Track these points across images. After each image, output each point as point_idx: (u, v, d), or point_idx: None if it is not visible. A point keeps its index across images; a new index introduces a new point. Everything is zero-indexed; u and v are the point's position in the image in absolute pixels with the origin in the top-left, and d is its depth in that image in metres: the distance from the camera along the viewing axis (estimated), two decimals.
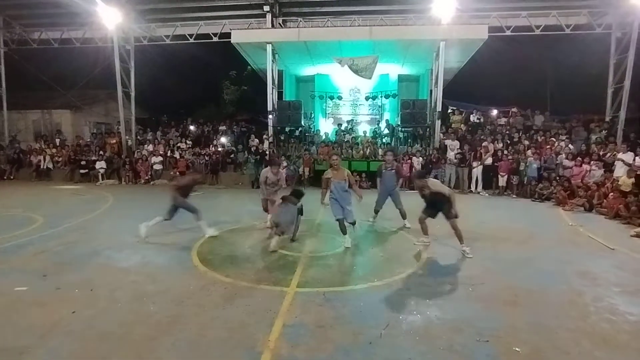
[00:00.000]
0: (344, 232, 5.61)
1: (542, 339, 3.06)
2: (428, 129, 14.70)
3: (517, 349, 2.90)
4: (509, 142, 13.34)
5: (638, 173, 8.86)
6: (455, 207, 5.28)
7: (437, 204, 5.45)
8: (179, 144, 15.73)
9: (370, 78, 14.73)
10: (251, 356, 2.78)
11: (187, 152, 14.95)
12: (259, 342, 2.95)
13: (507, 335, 3.11)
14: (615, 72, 14.16)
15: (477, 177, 12.02)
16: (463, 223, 7.41)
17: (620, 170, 9.57)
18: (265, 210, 6.63)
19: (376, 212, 7.12)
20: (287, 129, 15.62)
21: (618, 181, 8.97)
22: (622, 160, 9.50)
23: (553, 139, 12.79)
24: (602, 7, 13.78)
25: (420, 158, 12.63)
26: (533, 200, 10.45)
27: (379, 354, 2.82)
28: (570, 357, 2.82)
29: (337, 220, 5.63)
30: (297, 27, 14.76)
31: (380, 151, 13.86)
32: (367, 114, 17.82)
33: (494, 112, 17.49)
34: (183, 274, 4.45)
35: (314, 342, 2.98)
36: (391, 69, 16.66)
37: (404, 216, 6.89)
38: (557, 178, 10.55)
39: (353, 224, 5.70)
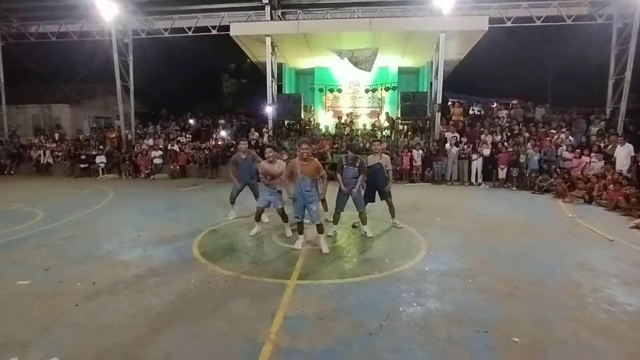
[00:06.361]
0: (301, 232, 5.22)
1: (540, 329, 3.09)
2: (428, 122, 14.67)
3: (515, 339, 2.93)
4: (509, 134, 13.31)
5: None
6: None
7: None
8: (178, 138, 15.71)
9: (370, 70, 14.69)
10: (252, 347, 2.80)
11: (187, 145, 14.94)
12: (260, 334, 2.98)
13: (506, 326, 3.13)
14: (617, 63, 14.06)
15: (477, 170, 12.04)
16: (463, 214, 7.51)
17: (621, 163, 9.56)
18: None
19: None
20: (286, 122, 15.58)
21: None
22: None
23: (553, 131, 12.74)
24: None
25: (421, 150, 12.61)
26: (533, 193, 10.45)
27: (379, 345, 2.85)
28: (569, 347, 2.85)
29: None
30: (297, 19, 14.64)
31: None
32: (367, 107, 17.75)
33: (495, 104, 17.41)
34: (184, 267, 4.47)
35: (314, 334, 3.01)
36: (391, 61, 16.55)
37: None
38: (557, 170, 10.54)
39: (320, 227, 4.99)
